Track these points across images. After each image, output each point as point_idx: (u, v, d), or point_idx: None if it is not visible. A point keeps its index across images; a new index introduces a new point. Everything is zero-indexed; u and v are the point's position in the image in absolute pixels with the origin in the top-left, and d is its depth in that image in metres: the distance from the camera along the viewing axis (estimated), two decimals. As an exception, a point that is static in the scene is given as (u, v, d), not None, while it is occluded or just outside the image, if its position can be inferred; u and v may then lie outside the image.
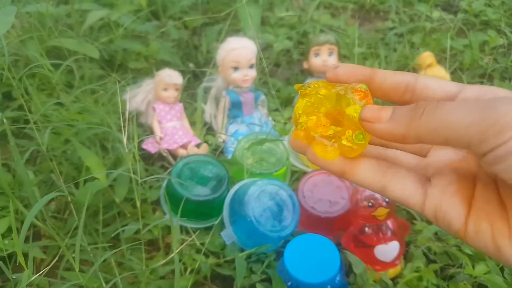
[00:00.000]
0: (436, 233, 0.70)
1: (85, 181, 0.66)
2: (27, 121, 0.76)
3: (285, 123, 0.93)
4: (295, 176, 0.82)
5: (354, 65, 0.31)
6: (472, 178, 0.28)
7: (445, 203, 0.27)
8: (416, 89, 0.29)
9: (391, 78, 0.30)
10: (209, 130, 0.92)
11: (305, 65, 0.99)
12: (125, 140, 0.60)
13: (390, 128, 0.27)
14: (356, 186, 0.67)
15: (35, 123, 0.69)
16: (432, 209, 0.28)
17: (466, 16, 1.25)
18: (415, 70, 0.97)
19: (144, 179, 0.64)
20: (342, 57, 1.06)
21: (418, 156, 0.32)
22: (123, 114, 0.66)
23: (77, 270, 0.49)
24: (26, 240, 0.65)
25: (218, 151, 0.87)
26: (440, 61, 1.06)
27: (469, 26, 1.22)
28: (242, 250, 0.68)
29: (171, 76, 0.85)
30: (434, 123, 0.25)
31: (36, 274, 0.54)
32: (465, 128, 0.23)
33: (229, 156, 0.83)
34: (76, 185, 0.71)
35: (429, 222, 0.73)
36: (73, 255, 0.52)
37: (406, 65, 1.03)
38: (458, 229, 0.27)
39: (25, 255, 0.52)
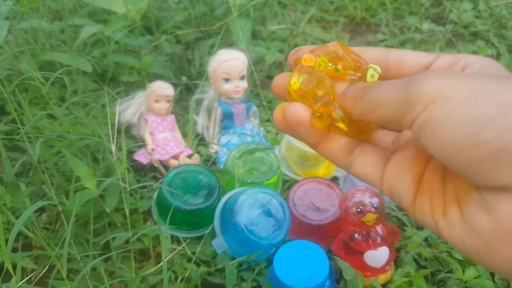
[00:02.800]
0: (426, 239, 0.71)
1: (76, 191, 0.66)
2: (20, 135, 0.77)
3: (277, 133, 0.94)
4: (286, 185, 0.83)
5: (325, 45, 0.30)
6: (428, 154, 0.27)
7: (397, 180, 0.27)
8: (388, 64, 0.29)
9: (361, 54, 0.29)
10: (201, 141, 0.92)
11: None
12: (114, 149, 0.61)
13: (340, 102, 0.28)
14: (346, 193, 0.68)
15: (27, 135, 0.70)
16: (387, 186, 0.28)
17: (455, 28, 1.27)
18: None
19: (133, 187, 0.64)
20: (333, 69, 1.07)
21: (395, 133, 0.31)
22: (113, 125, 0.67)
23: (64, 275, 0.49)
24: (17, 250, 0.65)
25: (210, 162, 0.88)
26: (430, 71, 1.08)
27: (459, 37, 1.24)
28: (233, 259, 0.68)
29: (163, 88, 0.87)
30: (370, 104, 0.26)
31: (27, 284, 0.54)
32: (391, 106, 0.24)
33: (221, 167, 0.83)
34: (68, 196, 0.71)
35: (419, 228, 0.73)
36: (62, 264, 0.52)
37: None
38: (408, 206, 0.27)
39: (15, 265, 0.52)
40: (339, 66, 0.29)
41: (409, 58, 0.29)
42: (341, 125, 0.28)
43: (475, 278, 0.62)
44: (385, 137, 0.31)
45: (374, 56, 0.29)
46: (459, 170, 0.23)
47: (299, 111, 0.28)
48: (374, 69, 0.29)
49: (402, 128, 0.25)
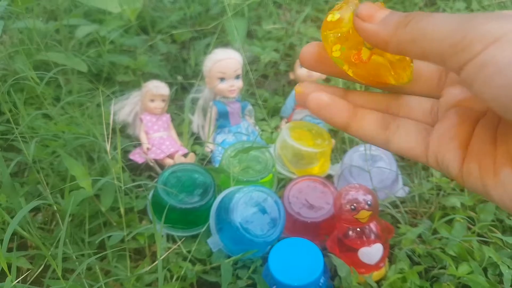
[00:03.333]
0: (420, 236, 0.71)
1: (71, 190, 0.66)
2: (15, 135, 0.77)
3: (272, 132, 0.95)
4: (281, 183, 0.83)
5: None
6: (475, 119, 0.27)
7: (444, 148, 0.27)
8: None
9: None
10: (197, 140, 0.93)
11: (291, 76, 1.01)
12: (108, 148, 0.61)
13: (378, 31, 0.25)
14: (340, 190, 0.68)
15: (21, 135, 0.70)
16: (433, 157, 0.27)
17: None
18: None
19: (128, 186, 0.64)
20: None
21: (432, 100, 0.30)
22: (108, 124, 0.67)
23: (59, 274, 0.49)
24: (12, 250, 0.65)
25: (205, 161, 0.88)
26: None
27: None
28: (228, 257, 0.68)
29: (158, 87, 0.87)
30: (415, 33, 0.23)
31: (22, 283, 0.54)
32: (440, 41, 0.22)
33: (217, 166, 0.84)
34: (63, 196, 0.71)
35: (412, 225, 0.73)
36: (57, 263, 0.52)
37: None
38: (456, 174, 0.26)
39: (10, 265, 0.52)
40: None
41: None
42: (379, 58, 0.27)
43: (468, 274, 0.63)
44: (420, 104, 0.30)
45: None
46: None
47: (319, 97, 0.28)
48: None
49: (446, 67, 0.23)
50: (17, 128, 0.68)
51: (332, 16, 0.27)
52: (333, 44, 0.28)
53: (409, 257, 0.68)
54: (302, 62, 0.30)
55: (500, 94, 0.20)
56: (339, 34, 0.27)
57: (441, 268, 0.66)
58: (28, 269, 0.65)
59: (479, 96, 0.22)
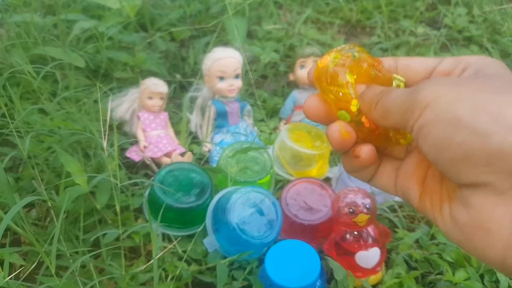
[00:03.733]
0: (417, 241, 0.71)
1: (66, 187, 0.65)
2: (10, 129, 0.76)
3: (270, 133, 0.94)
4: (279, 185, 0.83)
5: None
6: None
7: (406, 184, 0.30)
8: (398, 70, 0.31)
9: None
10: (194, 139, 0.92)
11: (291, 77, 1.00)
12: (105, 145, 0.60)
13: (361, 106, 0.30)
14: (338, 193, 0.68)
15: (17, 130, 0.69)
16: (400, 190, 0.31)
17: (449, 32, 1.28)
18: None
19: (125, 183, 0.63)
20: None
21: None
22: (105, 121, 0.66)
23: (53, 272, 0.48)
24: (5, 246, 0.64)
25: (203, 160, 0.87)
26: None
27: (453, 42, 1.25)
28: (224, 258, 0.67)
29: (156, 85, 0.86)
30: (382, 110, 0.28)
31: (15, 280, 0.53)
32: (397, 113, 0.27)
33: (214, 165, 0.83)
34: (58, 192, 0.70)
35: (410, 230, 0.73)
36: (51, 260, 0.51)
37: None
38: (416, 206, 0.30)
39: (2, 261, 0.51)
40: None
41: (416, 64, 0.31)
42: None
43: (465, 280, 0.63)
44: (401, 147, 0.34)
45: (384, 63, 0.32)
46: (443, 169, 0.25)
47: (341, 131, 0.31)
48: (399, 79, 0.31)
49: (408, 131, 0.27)
50: (12, 123, 0.67)
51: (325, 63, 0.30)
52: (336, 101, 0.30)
53: (406, 262, 0.68)
54: (308, 116, 0.32)
55: (430, 150, 0.25)
56: (341, 94, 0.30)
57: (438, 273, 0.66)
58: (21, 266, 0.64)
59: (421, 150, 0.26)
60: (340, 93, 0.30)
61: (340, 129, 0.30)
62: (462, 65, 0.29)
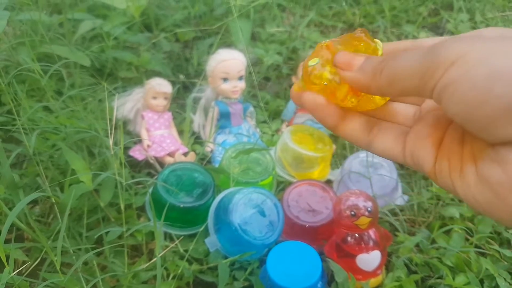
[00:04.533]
0: (417, 245, 0.71)
1: (70, 184, 0.66)
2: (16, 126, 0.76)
3: (273, 135, 0.95)
4: (281, 186, 0.83)
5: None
6: (448, 121, 0.29)
7: (418, 146, 0.29)
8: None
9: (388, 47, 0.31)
10: (197, 139, 0.92)
11: (294, 80, 1.01)
12: (111, 144, 0.61)
13: (358, 78, 0.28)
14: (340, 196, 0.68)
15: (22, 127, 0.70)
16: (409, 155, 0.29)
17: (451, 38, 1.28)
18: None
19: (129, 182, 0.64)
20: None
21: (416, 106, 0.33)
22: (111, 120, 0.67)
23: (58, 268, 0.49)
24: (10, 242, 0.65)
25: (205, 161, 0.88)
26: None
27: (455, 47, 1.25)
28: (225, 258, 0.68)
29: (161, 85, 0.87)
30: (390, 78, 0.26)
31: (18, 275, 0.53)
32: (411, 78, 0.25)
33: (217, 166, 0.83)
34: (62, 189, 0.71)
35: (411, 234, 0.74)
36: (56, 256, 0.52)
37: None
38: (429, 170, 0.28)
39: (7, 257, 0.52)
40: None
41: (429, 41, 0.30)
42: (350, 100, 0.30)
43: (465, 285, 0.63)
44: (406, 111, 0.33)
45: (402, 45, 0.31)
46: (475, 129, 0.24)
47: (315, 98, 0.30)
48: (378, 44, 0.30)
49: (424, 97, 0.26)
50: (19, 120, 0.67)
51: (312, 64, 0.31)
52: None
53: (406, 265, 0.68)
54: (294, 96, 0.33)
55: (460, 109, 0.23)
56: (326, 83, 0.30)
57: (438, 278, 0.67)
58: (24, 262, 0.64)
59: (446, 112, 0.25)
60: (325, 83, 0.30)
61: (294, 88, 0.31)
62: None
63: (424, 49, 0.25)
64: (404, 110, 0.33)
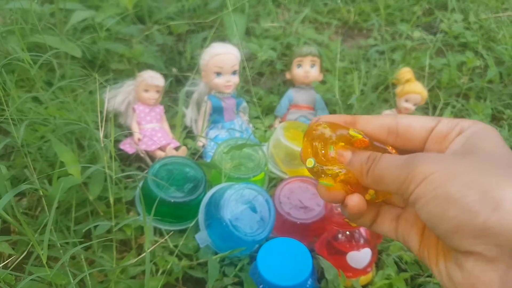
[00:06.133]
0: (408, 243, 0.71)
1: (59, 177, 0.65)
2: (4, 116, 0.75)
3: (265, 131, 0.94)
4: (273, 183, 0.83)
5: (335, 115, 0.36)
6: None
7: (406, 232, 0.34)
8: (399, 130, 0.35)
9: (372, 123, 0.35)
10: (189, 133, 0.92)
11: (288, 76, 1.00)
12: (101, 137, 0.60)
13: (351, 169, 0.33)
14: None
15: (11, 117, 0.68)
16: (401, 237, 0.35)
17: (445, 37, 1.29)
18: (393, 85, 1.00)
19: (119, 176, 0.63)
20: (324, 71, 1.07)
21: None
22: (101, 112, 0.66)
23: (44, 261, 0.48)
24: (-6, 234, 0.64)
25: (197, 155, 0.87)
26: (419, 78, 1.09)
27: (448, 47, 1.26)
28: (216, 254, 0.67)
29: (153, 78, 0.85)
30: (376, 178, 0.32)
31: (3, 269, 0.52)
32: (393, 182, 0.30)
33: (208, 161, 0.83)
34: (50, 182, 0.70)
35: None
36: (42, 250, 0.51)
37: (386, 79, 1.06)
38: (416, 253, 0.33)
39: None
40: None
41: (415, 122, 0.34)
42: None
43: (454, 283, 0.63)
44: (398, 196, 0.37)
45: (384, 123, 0.35)
46: (441, 236, 0.29)
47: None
48: (355, 134, 0.34)
49: (402, 197, 0.31)
50: (6, 110, 0.66)
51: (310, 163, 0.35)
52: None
53: (397, 263, 0.68)
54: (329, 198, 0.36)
55: (427, 220, 0.29)
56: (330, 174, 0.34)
57: (427, 276, 0.67)
58: (10, 255, 0.63)
59: (419, 216, 0.30)
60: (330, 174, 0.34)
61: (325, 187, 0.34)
62: (458, 128, 0.32)
63: (405, 159, 0.30)
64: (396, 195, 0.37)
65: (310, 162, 0.34)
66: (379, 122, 0.35)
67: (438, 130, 0.33)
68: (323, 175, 0.34)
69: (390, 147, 0.35)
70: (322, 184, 0.34)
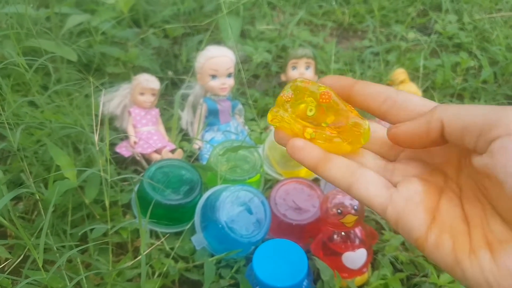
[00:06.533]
0: (403, 243, 0.72)
1: (55, 181, 0.65)
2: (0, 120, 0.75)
3: (261, 133, 0.94)
4: (269, 184, 0.83)
5: (337, 76, 0.33)
6: (438, 192, 0.29)
7: (408, 211, 0.28)
8: (397, 101, 0.31)
9: (370, 88, 0.31)
10: (185, 136, 0.92)
11: (283, 78, 1.01)
12: (97, 140, 0.60)
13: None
14: (327, 194, 0.68)
15: (7, 122, 0.69)
16: (394, 214, 0.29)
17: (440, 38, 1.29)
18: (388, 86, 1.00)
19: (115, 179, 0.63)
20: (319, 72, 1.08)
21: (385, 160, 0.33)
22: (97, 115, 0.66)
23: (40, 265, 0.48)
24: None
25: (193, 158, 0.87)
26: (413, 79, 1.10)
27: (442, 48, 1.27)
28: (212, 256, 0.67)
29: (149, 81, 0.86)
30: (456, 111, 0.27)
31: (0, 273, 0.53)
32: (476, 117, 0.25)
33: (204, 163, 0.83)
34: (46, 186, 0.70)
35: (397, 233, 0.74)
36: (39, 253, 0.51)
37: (380, 81, 1.06)
38: (417, 237, 0.27)
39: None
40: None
41: (417, 100, 0.30)
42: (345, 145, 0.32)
43: (449, 283, 0.64)
44: (374, 161, 0.33)
45: (384, 91, 0.31)
46: None
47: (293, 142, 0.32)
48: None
49: (467, 145, 0.26)
50: (2, 115, 0.66)
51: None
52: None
53: (392, 263, 0.69)
54: (277, 137, 0.35)
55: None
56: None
57: (423, 276, 0.67)
58: (6, 259, 0.63)
59: (492, 168, 0.25)
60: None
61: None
62: None
63: (479, 107, 0.26)
64: (373, 160, 0.33)
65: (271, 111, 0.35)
66: (377, 89, 0.31)
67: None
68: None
69: (351, 111, 0.32)
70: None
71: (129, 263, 0.61)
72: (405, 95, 0.31)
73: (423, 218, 0.27)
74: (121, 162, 0.84)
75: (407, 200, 0.28)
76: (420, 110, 0.30)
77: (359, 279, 0.66)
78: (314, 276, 0.66)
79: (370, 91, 0.31)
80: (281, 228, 0.71)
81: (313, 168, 0.32)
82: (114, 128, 0.90)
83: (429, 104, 0.30)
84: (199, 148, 0.89)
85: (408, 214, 0.28)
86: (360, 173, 0.31)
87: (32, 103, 0.84)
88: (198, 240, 0.68)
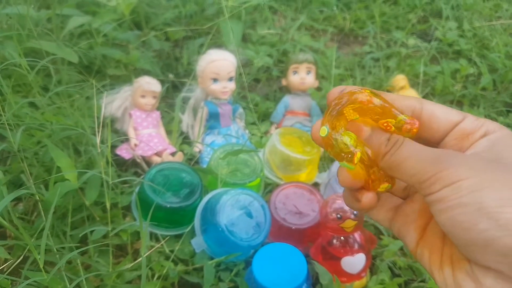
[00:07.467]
0: (401, 248, 0.72)
1: (55, 182, 0.65)
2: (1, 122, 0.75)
3: (261, 137, 0.95)
4: (269, 188, 0.83)
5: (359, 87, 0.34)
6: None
7: (405, 227, 0.33)
8: (422, 115, 0.32)
9: (399, 102, 0.32)
10: (186, 139, 0.92)
11: (284, 82, 1.01)
12: (98, 142, 0.60)
13: (369, 146, 0.31)
14: (327, 199, 0.68)
15: (7, 122, 0.69)
16: (396, 229, 0.34)
17: (440, 45, 1.30)
18: (388, 91, 1.00)
19: (115, 181, 0.63)
20: (320, 77, 1.09)
21: None
22: (98, 117, 0.66)
23: (41, 266, 0.48)
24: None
25: (193, 161, 0.87)
26: (413, 85, 1.10)
27: (442, 55, 1.27)
28: (211, 259, 0.68)
29: (150, 84, 0.86)
30: (392, 164, 0.30)
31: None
32: (413, 175, 0.28)
33: (205, 166, 0.83)
34: (46, 187, 0.70)
35: (395, 238, 0.74)
36: (39, 254, 0.51)
37: (380, 86, 1.07)
38: (411, 249, 0.32)
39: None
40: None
41: (440, 113, 0.31)
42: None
43: (448, 288, 0.64)
44: (399, 183, 0.34)
45: (409, 105, 0.32)
46: (457, 244, 0.27)
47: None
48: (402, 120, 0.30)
49: (418, 191, 0.30)
50: (3, 115, 0.66)
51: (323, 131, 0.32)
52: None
53: (390, 268, 0.69)
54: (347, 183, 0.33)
55: (447, 225, 0.27)
56: (343, 155, 0.31)
57: (420, 281, 0.67)
58: (6, 260, 0.63)
59: (434, 216, 0.28)
60: (343, 154, 0.31)
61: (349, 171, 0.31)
62: (483, 129, 0.30)
63: (433, 154, 0.28)
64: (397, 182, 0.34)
65: (324, 131, 0.31)
66: (406, 103, 0.32)
67: (462, 126, 0.31)
68: (336, 149, 0.31)
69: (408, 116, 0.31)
70: (343, 166, 0.31)
71: (129, 265, 0.61)
72: (430, 108, 0.32)
73: (413, 235, 0.32)
74: (121, 164, 0.84)
75: (405, 218, 0.33)
76: (445, 128, 0.31)
77: (357, 284, 0.66)
78: (313, 280, 0.66)
79: (397, 106, 0.32)
80: (281, 232, 0.71)
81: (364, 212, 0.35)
82: (115, 130, 0.90)
83: (452, 118, 0.31)
84: (200, 151, 0.89)
85: (404, 231, 0.33)
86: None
87: (32, 104, 0.85)
88: (198, 243, 0.68)
